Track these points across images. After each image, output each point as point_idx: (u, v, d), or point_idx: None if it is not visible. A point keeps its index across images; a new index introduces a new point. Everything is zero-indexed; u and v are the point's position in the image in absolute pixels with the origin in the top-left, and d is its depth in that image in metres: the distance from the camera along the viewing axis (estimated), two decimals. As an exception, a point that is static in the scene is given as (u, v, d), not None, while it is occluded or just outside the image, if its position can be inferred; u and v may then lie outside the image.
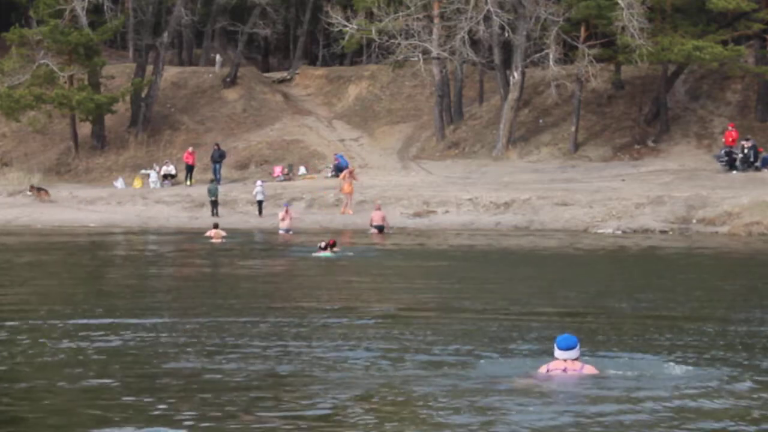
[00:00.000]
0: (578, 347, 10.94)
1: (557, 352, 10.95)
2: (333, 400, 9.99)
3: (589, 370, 10.93)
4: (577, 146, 53.18)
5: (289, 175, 53.36)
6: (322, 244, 29.19)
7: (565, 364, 10.84)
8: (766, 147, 48.73)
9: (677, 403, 9.85)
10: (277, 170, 53.58)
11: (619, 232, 38.86)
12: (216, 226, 38.84)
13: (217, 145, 53.92)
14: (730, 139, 48.28)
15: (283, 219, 41.04)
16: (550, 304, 17.89)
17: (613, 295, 19.65)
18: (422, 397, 10.11)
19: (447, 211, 43.50)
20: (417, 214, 43.46)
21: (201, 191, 47.62)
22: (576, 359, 10.88)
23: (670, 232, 38.61)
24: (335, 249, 29.46)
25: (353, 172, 46.58)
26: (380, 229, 39.71)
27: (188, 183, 53.04)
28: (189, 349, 12.79)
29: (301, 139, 58.59)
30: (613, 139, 53.84)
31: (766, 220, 37.83)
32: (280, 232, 40.55)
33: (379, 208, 40.94)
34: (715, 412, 9.54)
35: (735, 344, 13.54)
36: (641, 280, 23.07)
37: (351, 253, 30.15)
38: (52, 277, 24.05)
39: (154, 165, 54.98)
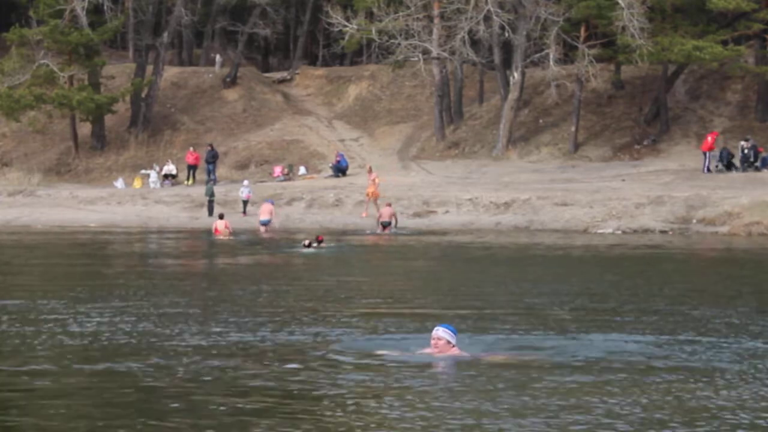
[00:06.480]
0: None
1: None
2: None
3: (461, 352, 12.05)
4: (577, 146, 53.20)
5: (289, 175, 53.38)
6: (306, 242, 29.96)
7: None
8: (766, 147, 48.75)
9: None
10: (277, 170, 53.62)
11: (619, 232, 38.85)
12: (221, 217, 38.94)
13: (211, 145, 54.09)
14: (710, 140, 48.01)
15: (262, 213, 41.44)
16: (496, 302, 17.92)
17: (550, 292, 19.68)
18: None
19: (447, 211, 43.51)
20: (417, 214, 43.47)
21: (201, 191, 47.68)
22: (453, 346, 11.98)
23: (670, 232, 38.61)
24: (323, 245, 30.28)
25: (370, 172, 45.39)
26: (386, 225, 39.85)
27: (188, 183, 53.13)
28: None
29: (301, 139, 58.61)
30: (613, 139, 53.86)
31: (766, 220, 37.83)
32: (260, 226, 40.94)
33: (389, 205, 41.10)
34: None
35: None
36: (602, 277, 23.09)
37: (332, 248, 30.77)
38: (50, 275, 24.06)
39: (154, 165, 55.00)
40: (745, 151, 47.57)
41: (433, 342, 11.90)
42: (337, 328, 14.43)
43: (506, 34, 52.29)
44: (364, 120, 61.74)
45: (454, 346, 11.89)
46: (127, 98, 58.32)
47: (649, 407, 9.51)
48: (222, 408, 9.47)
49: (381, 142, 58.96)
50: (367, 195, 44.14)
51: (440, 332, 11.89)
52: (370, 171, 45.53)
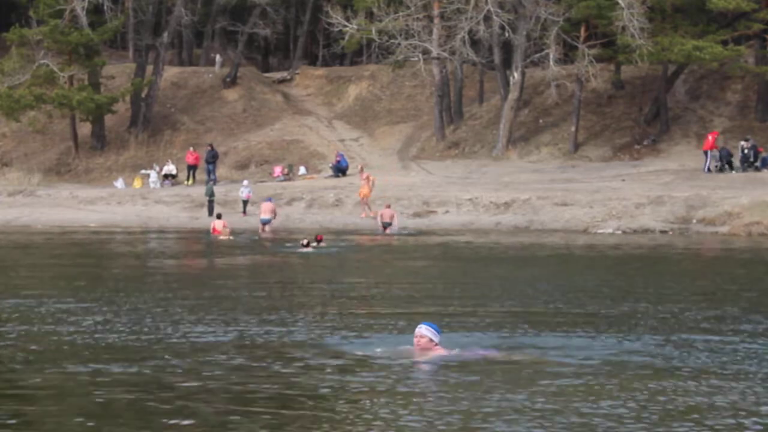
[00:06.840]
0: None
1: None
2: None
3: (444, 351, 12.00)
4: (577, 146, 53.20)
5: (289, 175, 53.38)
6: (304, 242, 30.34)
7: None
8: (766, 147, 48.74)
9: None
10: (277, 170, 53.62)
11: (619, 232, 38.83)
12: (219, 217, 39.08)
13: (210, 145, 54.13)
14: (711, 140, 48.06)
15: (263, 212, 41.70)
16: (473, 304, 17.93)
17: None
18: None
19: (447, 211, 43.50)
20: (417, 214, 43.46)
21: (201, 191, 47.70)
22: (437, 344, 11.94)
23: (670, 232, 38.59)
24: (321, 244, 30.75)
25: (362, 172, 46.05)
26: (387, 225, 39.97)
27: (188, 183, 53.15)
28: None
29: (301, 139, 58.62)
30: (613, 139, 53.85)
31: (766, 220, 37.81)
32: (261, 225, 41.16)
33: (389, 206, 41.23)
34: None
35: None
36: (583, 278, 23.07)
37: (334, 249, 30.81)
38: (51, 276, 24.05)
39: (154, 165, 55.01)
40: (745, 151, 47.56)
41: (415, 340, 11.82)
42: (326, 328, 14.42)
43: (506, 34, 52.30)
44: (364, 120, 61.74)
45: (437, 344, 11.77)
46: (127, 98, 58.34)
47: (647, 407, 9.49)
48: (216, 409, 9.45)
49: (381, 142, 58.96)
50: (360, 195, 44.06)
51: (422, 330, 11.79)
52: (361, 171, 45.54)
